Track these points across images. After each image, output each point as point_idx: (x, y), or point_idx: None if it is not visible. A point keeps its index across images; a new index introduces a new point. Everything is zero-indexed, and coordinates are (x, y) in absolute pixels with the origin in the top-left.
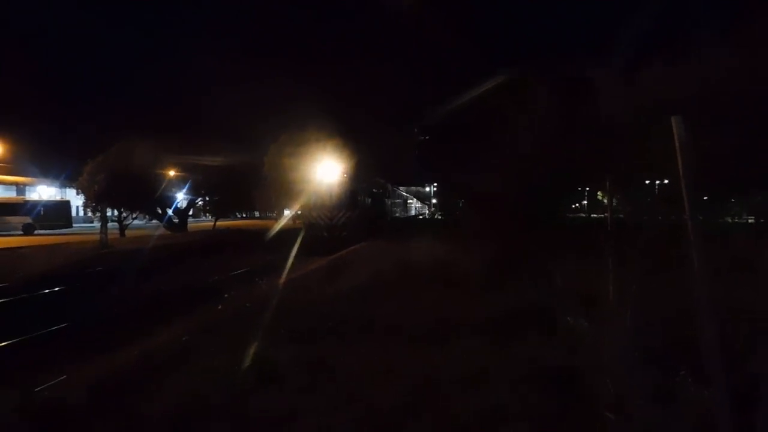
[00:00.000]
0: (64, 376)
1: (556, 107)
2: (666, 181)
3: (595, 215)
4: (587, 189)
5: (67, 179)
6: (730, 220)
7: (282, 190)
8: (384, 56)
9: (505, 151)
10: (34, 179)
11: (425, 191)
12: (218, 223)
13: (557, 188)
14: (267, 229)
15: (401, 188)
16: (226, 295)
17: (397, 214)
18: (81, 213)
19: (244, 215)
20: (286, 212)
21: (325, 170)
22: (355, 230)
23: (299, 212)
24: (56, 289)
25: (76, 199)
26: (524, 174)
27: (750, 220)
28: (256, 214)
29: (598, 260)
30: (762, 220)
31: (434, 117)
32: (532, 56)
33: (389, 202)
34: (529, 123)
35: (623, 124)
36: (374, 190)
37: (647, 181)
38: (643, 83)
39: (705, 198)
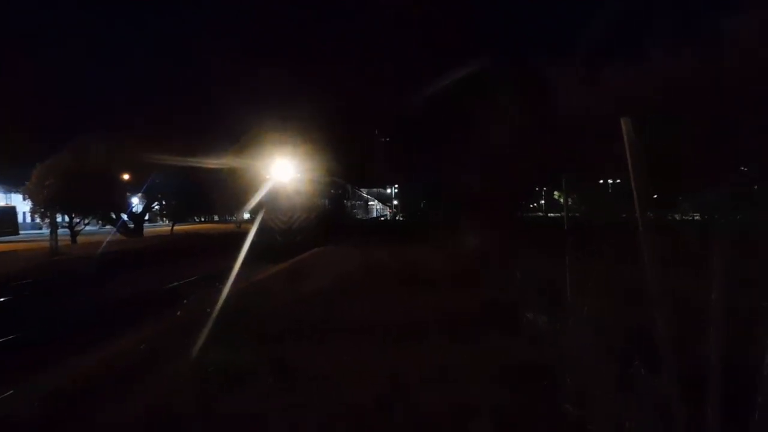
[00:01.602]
0: (11, 391)
1: (519, 106)
2: (618, 181)
3: (552, 214)
4: (545, 188)
5: (13, 184)
6: (678, 218)
7: (241, 193)
8: (345, 56)
9: (471, 150)
10: None
11: (386, 193)
12: (176, 227)
13: (523, 187)
14: (225, 234)
15: (362, 190)
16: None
17: (359, 216)
18: (28, 219)
19: (202, 219)
20: (246, 216)
21: (280, 170)
22: (311, 234)
23: (250, 216)
24: (2, 299)
25: (22, 205)
26: (490, 173)
27: (696, 217)
28: (216, 218)
29: (559, 257)
30: (706, 216)
31: (397, 118)
32: (496, 55)
33: (349, 204)
34: (494, 121)
35: (582, 123)
36: (332, 191)
37: (601, 181)
38: (602, 83)
39: (654, 196)
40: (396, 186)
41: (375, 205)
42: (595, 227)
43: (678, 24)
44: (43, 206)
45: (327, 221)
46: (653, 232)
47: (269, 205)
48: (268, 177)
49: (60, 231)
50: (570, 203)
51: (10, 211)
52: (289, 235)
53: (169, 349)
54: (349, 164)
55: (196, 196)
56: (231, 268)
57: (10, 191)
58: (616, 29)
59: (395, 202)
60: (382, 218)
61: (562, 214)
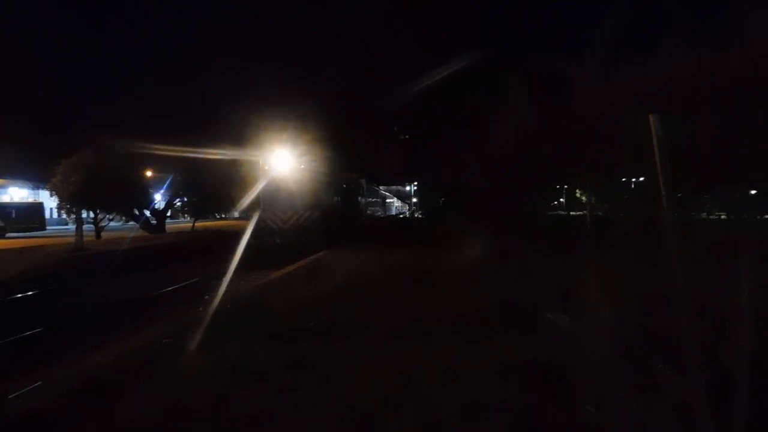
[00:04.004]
0: (39, 382)
1: (535, 105)
2: (641, 179)
3: (573, 213)
4: (565, 186)
5: (40, 180)
6: (703, 216)
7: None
8: (363, 52)
9: (485, 148)
10: (5, 181)
11: (405, 190)
12: (197, 223)
13: (538, 186)
14: (242, 232)
15: (381, 187)
16: None
17: (379, 213)
18: (55, 215)
19: (223, 216)
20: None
21: (288, 163)
22: (318, 234)
23: (241, 213)
24: (30, 293)
25: (49, 201)
26: (506, 171)
27: (722, 216)
28: (236, 214)
29: (580, 256)
30: (733, 216)
31: (414, 116)
32: (510, 53)
33: (363, 201)
34: (508, 121)
35: (601, 122)
36: (345, 186)
37: (623, 179)
38: (621, 80)
39: (678, 195)
40: (415, 183)
41: (393, 203)
42: (617, 226)
43: (696, 18)
44: (69, 202)
45: (337, 219)
46: (679, 231)
47: (265, 200)
48: (267, 167)
49: (85, 226)
50: (592, 201)
51: (38, 207)
52: (290, 237)
53: (190, 343)
54: (366, 161)
55: (217, 192)
56: (237, 269)
57: (37, 187)
58: (631, 24)
59: (414, 200)
60: (401, 215)
61: (584, 212)
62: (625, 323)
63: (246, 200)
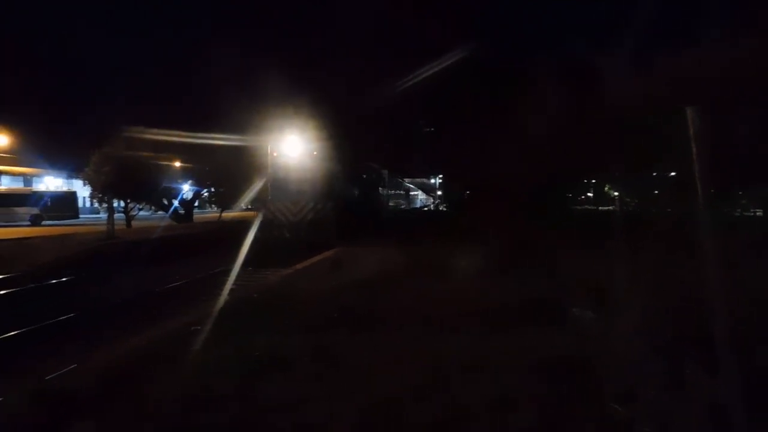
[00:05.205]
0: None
1: (563, 98)
2: (673, 174)
3: (602, 207)
4: (593, 181)
5: (74, 170)
6: (738, 213)
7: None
8: (392, 46)
9: (511, 142)
10: (40, 170)
11: (430, 183)
12: (224, 214)
13: (565, 180)
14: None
15: (406, 179)
16: None
17: (402, 206)
18: (87, 204)
19: (249, 206)
20: None
21: (294, 149)
22: (331, 227)
23: (250, 206)
24: (64, 279)
25: (82, 190)
26: (532, 165)
27: (758, 213)
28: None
29: (609, 251)
30: None
31: (438, 108)
32: (538, 46)
33: (386, 192)
34: (535, 114)
35: (631, 116)
36: (365, 176)
37: (654, 173)
38: (653, 73)
39: (712, 190)
40: (439, 176)
41: (418, 195)
42: (648, 221)
43: (734, 8)
44: (101, 192)
45: (352, 213)
46: (716, 228)
47: (274, 190)
48: (276, 154)
49: (116, 215)
50: (618, 196)
51: (71, 196)
52: (300, 231)
53: (217, 331)
54: (390, 152)
55: (244, 182)
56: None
57: (71, 177)
58: (666, 14)
59: (438, 193)
60: (425, 208)
61: (613, 207)
62: (654, 320)
63: (258, 191)
